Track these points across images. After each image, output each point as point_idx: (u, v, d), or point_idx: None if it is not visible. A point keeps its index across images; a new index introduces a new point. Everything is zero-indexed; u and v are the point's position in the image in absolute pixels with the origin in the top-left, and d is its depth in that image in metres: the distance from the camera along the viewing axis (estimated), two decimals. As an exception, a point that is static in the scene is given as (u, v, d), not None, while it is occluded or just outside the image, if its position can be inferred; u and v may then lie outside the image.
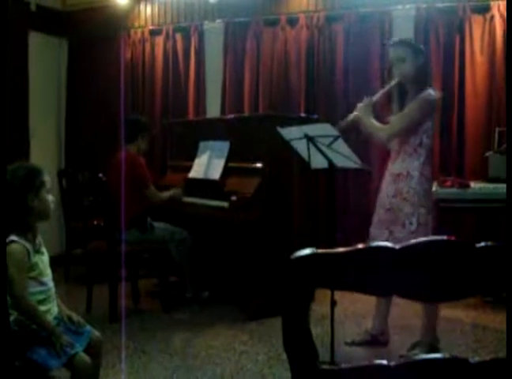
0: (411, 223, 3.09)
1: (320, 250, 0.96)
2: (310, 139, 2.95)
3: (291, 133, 3.09)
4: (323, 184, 4.68)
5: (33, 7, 5.69)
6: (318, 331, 3.47)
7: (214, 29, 5.64)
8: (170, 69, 5.78)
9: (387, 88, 3.26)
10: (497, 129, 4.45)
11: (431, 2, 4.84)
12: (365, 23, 5.07)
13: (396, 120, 3.17)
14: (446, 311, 3.31)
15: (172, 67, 5.77)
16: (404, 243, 0.93)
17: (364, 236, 4.89)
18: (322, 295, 2.95)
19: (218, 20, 5.60)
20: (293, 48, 5.30)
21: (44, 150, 5.89)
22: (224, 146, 4.39)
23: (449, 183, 4.16)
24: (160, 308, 4.20)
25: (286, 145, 3.18)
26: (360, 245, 0.95)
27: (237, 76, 5.53)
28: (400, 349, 3.33)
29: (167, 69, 5.80)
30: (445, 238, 0.93)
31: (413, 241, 0.94)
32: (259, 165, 4.06)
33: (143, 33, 5.88)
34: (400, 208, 3.12)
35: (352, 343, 3.45)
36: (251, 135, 4.22)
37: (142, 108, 5.84)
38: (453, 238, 0.94)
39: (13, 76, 5.25)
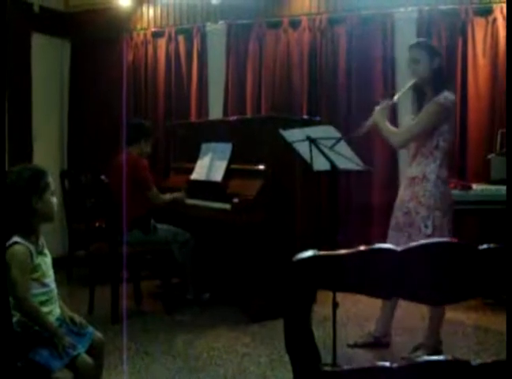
0: (426, 227, 3.08)
1: (322, 252, 0.96)
2: (312, 141, 2.95)
3: (293, 135, 3.10)
4: (325, 186, 4.69)
5: (36, 8, 5.70)
6: (320, 333, 3.46)
7: (216, 31, 5.64)
8: (172, 70, 5.78)
9: (404, 90, 3.26)
10: (499, 132, 4.45)
11: (433, 5, 4.84)
12: (367, 25, 5.07)
13: (410, 126, 3.18)
14: (448, 313, 3.30)
15: (175, 69, 5.78)
16: (406, 245, 0.94)
17: (366, 238, 4.93)
18: (324, 297, 2.94)
19: (220, 22, 5.60)
20: (295, 50, 5.30)
21: (47, 151, 5.90)
22: (226, 148, 4.40)
23: (451, 185, 4.15)
24: (162, 309, 4.20)
25: (288, 147, 3.19)
26: (362, 247, 0.95)
27: (239, 78, 5.53)
28: (403, 351, 3.33)
29: (169, 70, 5.80)
30: (447, 240, 0.93)
31: (414, 243, 0.94)
32: (261, 167, 4.06)
33: (145, 35, 5.89)
34: (417, 212, 3.12)
35: (355, 345, 3.44)
36: (254, 137, 4.22)
37: (145, 110, 5.85)
38: (455, 240, 0.94)
39: (15, 77, 5.26)
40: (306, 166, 3.18)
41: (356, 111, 5.04)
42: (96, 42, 5.98)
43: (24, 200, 2.14)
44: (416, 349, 3.23)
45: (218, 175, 4.32)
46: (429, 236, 3.04)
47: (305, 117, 4.83)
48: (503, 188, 3.92)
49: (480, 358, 2.78)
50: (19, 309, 2.10)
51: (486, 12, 4.72)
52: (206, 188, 4.38)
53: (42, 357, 2.08)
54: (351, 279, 0.96)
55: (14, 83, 5.24)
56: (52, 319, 2.19)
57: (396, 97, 3.30)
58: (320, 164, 3.07)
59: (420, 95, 3.24)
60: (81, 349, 2.17)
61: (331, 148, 2.91)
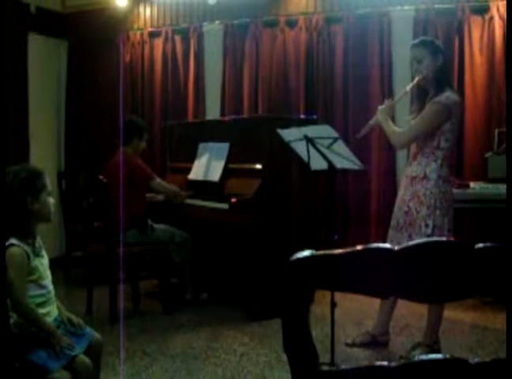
0: (426, 226, 3.08)
1: (319, 252, 0.96)
2: (309, 140, 2.95)
3: (290, 134, 3.09)
4: (323, 185, 4.69)
5: (33, 9, 5.70)
6: (318, 332, 3.47)
7: (213, 31, 5.64)
8: (169, 70, 5.78)
9: (407, 89, 3.25)
10: (496, 130, 4.46)
11: (429, 3, 4.84)
12: (364, 24, 5.07)
13: (412, 126, 3.17)
14: (446, 312, 3.31)
15: (172, 69, 5.78)
16: (404, 244, 0.94)
17: (364, 237, 4.93)
18: (322, 296, 2.95)
19: (217, 22, 5.60)
20: (292, 50, 5.31)
21: (44, 152, 5.89)
22: (223, 148, 4.40)
23: (448, 183, 4.16)
24: (161, 309, 4.20)
25: (286, 147, 3.18)
26: (360, 247, 0.95)
27: (236, 78, 5.53)
28: (401, 350, 3.34)
29: (166, 70, 5.80)
30: (443, 239, 0.93)
31: (411, 242, 0.94)
32: (259, 166, 4.06)
33: (142, 35, 5.88)
34: (418, 211, 3.12)
35: (353, 344, 3.44)
36: (251, 136, 4.22)
37: (142, 110, 5.85)
38: (451, 239, 0.94)
39: (12, 78, 5.25)
40: (304, 165, 3.18)
41: (353, 110, 5.05)
42: (92, 42, 5.97)
43: (19, 201, 2.14)
44: (414, 348, 3.23)
45: (215, 175, 4.32)
46: (429, 235, 3.04)
47: (302, 116, 4.83)
48: (501, 186, 3.93)
49: (478, 356, 2.79)
50: (16, 311, 2.10)
51: (482, 10, 4.72)
52: (204, 188, 4.38)
53: (40, 358, 2.08)
54: (348, 279, 0.96)
55: (11, 83, 5.22)
56: (50, 320, 2.19)
57: (398, 97, 3.30)
58: (317, 163, 3.06)
59: (422, 94, 3.23)
60: (79, 350, 2.17)
61: (328, 147, 2.91)
